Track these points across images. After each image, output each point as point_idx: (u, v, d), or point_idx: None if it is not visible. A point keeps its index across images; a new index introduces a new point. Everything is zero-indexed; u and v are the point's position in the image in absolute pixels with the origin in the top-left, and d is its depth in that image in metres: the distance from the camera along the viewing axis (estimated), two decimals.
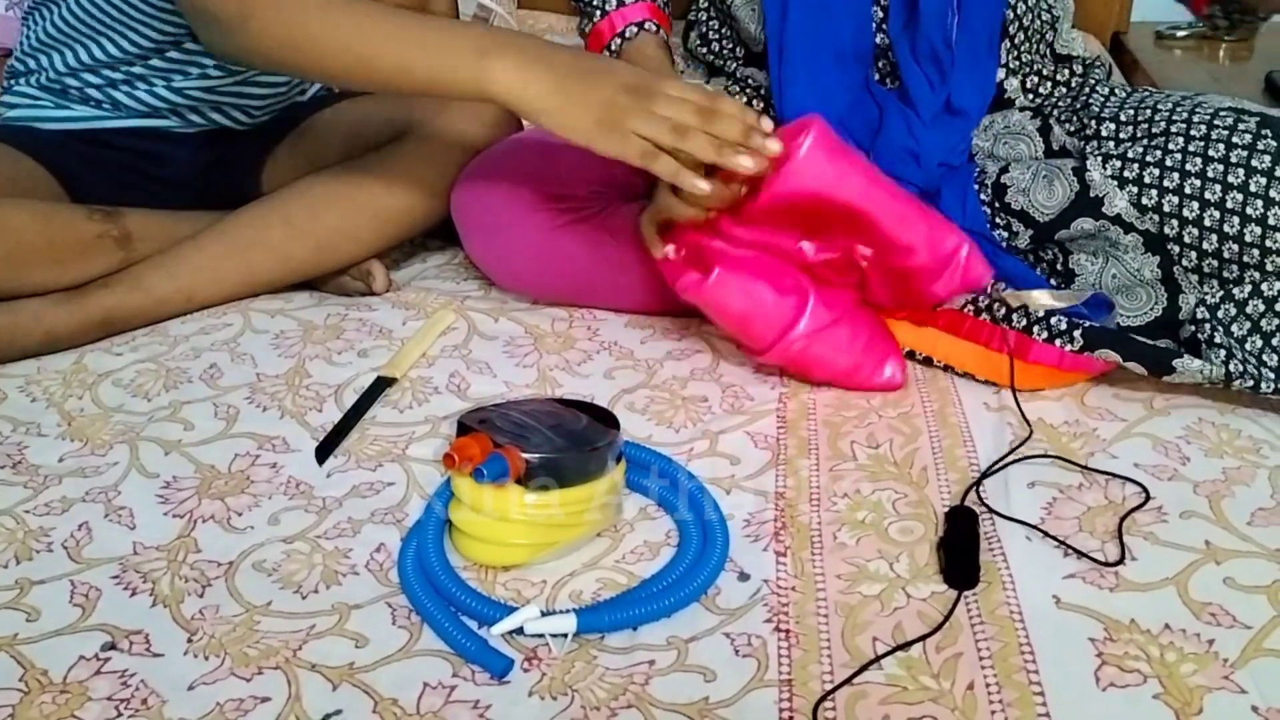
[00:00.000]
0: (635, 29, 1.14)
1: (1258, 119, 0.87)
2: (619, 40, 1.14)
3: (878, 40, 1.05)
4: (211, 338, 1.01)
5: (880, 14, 1.04)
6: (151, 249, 1.04)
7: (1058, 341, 0.88)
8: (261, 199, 1.07)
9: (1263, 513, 0.77)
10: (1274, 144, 0.84)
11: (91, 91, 1.09)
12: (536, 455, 0.73)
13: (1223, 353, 0.85)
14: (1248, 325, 0.84)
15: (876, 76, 1.06)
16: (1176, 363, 0.85)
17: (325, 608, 0.71)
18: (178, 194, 1.11)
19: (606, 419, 0.80)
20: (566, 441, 0.75)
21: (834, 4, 1.02)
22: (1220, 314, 0.85)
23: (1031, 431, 0.85)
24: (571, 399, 0.87)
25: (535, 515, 0.73)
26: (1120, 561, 0.72)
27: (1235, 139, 0.86)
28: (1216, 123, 0.89)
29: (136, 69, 1.08)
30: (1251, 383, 0.84)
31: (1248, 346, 0.84)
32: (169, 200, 1.10)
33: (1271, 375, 0.83)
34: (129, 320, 1.02)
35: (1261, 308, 0.84)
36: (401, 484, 0.83)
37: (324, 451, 0.86)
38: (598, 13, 1.15)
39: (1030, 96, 1.08)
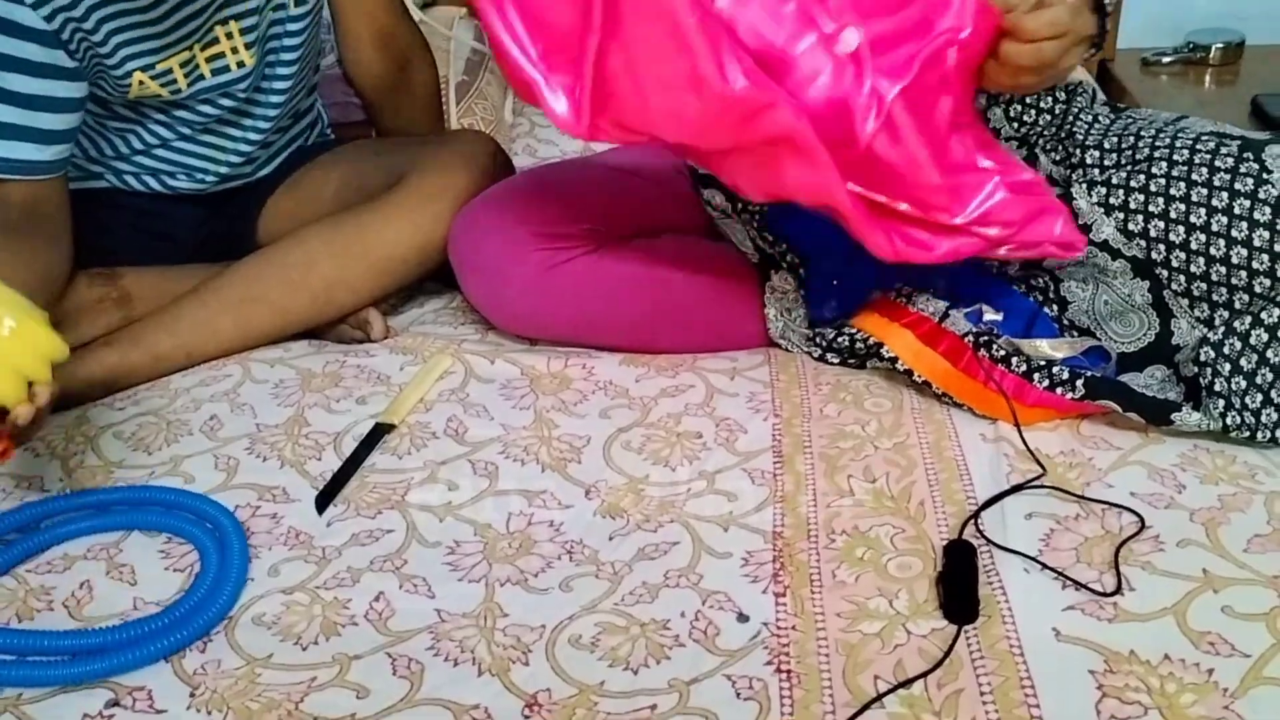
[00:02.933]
0: None
1: (1239, 142, 0.88)
2: None
3: None
4: (211, 389, 1.01)
5: None
6: (150, 306, 1.05)
7: (1059, 390, 0.89)
8: (257, 252, 1.08)
9: (1259, 539, 0.77)
10: (1255, 167, 0.85)
11: (95, 169, 1.11)
12: None
13: (1221, 403, 0.86)
14: (1255, 358, 0.85)
15: None
16: (1175, 416, 0.86)
17: (326, 659, 0.71)
18: (175, 247, 1.13)
19: None
20: None
21: None
22: (1226, 349, 0.86)
23: (1045, 470, 0.85)
24: None
25: None
26: (1118, 591, 0.73)
27: (1218, 163, 0.87)
28: (1199, 147, 0.89)
29: (139, 160, 1.11)
30: (1248, 433, 0.85)
31: (1256, 380, 0.84)
32: (166, 253, 1.12)
33: (1268, 428, 0.84)
34: (130, 377, 1.03)
35: (1265, 337, 0.85)
36: (401, 530, 0.83)
37: (324, 501, 0.86)
38: None
39: (1015, 125, 1.09)
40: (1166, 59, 1.56)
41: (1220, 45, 1.56)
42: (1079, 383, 0.88)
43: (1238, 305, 0.86)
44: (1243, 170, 0.86)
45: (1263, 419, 0.84)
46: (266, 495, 0.87)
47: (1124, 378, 0.89)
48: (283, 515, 0.85)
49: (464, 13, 1.54)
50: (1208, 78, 1.55)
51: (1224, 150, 0.88)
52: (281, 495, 0.87)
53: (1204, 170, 0.86)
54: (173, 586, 0.78)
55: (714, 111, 0.80)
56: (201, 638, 0.73)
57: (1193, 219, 0.88)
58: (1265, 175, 0.85)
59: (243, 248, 1.11)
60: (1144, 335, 0.93)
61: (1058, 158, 1.03)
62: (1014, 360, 0.91)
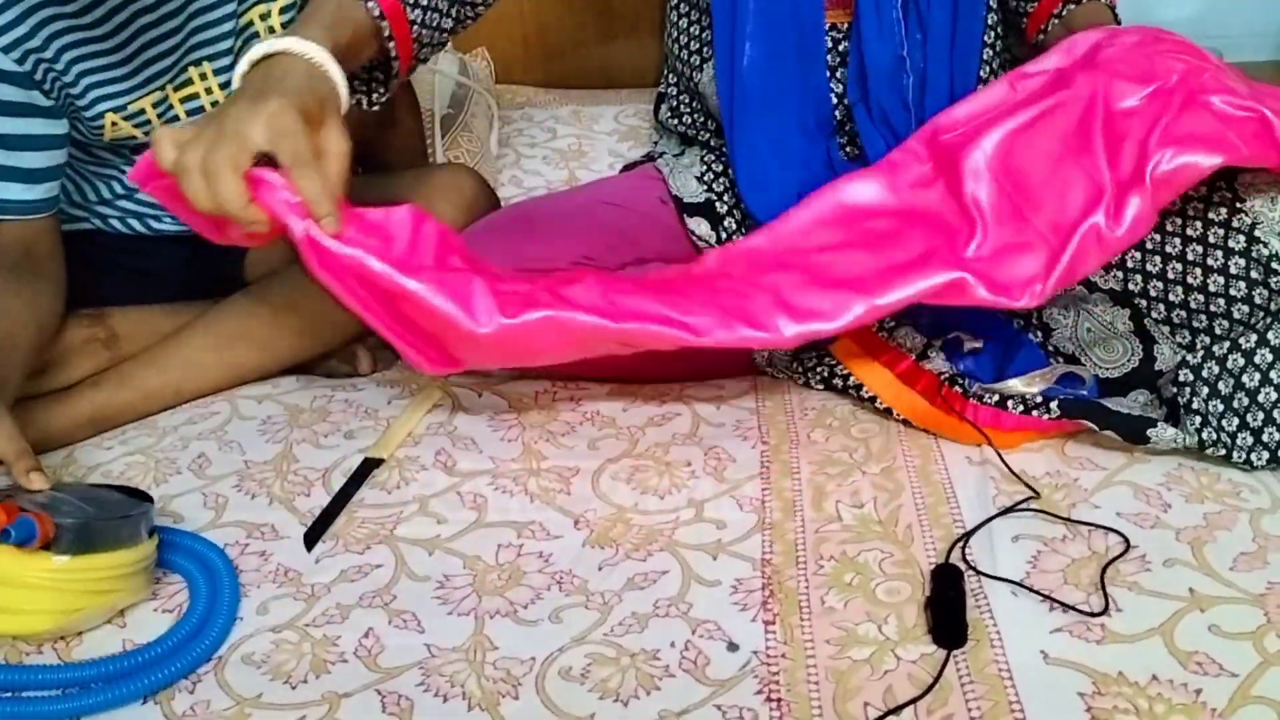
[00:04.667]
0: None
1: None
2: None
3: (836, 113, 1.07)
4: (199, 427, 1.01)
5: (839, 86, 1.06)
6: (138, 346, 1.06)
7: (1035, 413, 0.89)
8: (244, 290, 1.08)
9: (1245, 557, 0.77)
10: (1229, 195, 0.86)
11: (79, 213, 1.11)
12: (67, 520, 0.73)
13: (1198, 419, 0.86)
14: (1232, 382, 0.85)
15: (842, 141, 1.08)
16: (1151, 432, 0.86)
17: (315, 697, 0.71)
18: (162, 286, 1.13)
19: (140, 495, 0.82)
20: (97, 510, 0.76)
21: (789, 80, 1.04)
22: (1205, 373, 0.86)
23: (1038, 494, 0.85)
24: (108, 484, 0.89)
25: (61, 581, 0.73)
26: (1104, 612, 0.73)
27: (1192, 192, 0.87)
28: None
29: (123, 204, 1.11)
30: (1224, 451, 0.85)
31: (1234, 404, 0.85)
32: (153, 292, 1.12)
33: (1244, 450, 0.85)
34: (118, 416, 1.03)
35: (1241, 362, 0.85)
36: (390, 565, 0.83)
37: (312, 537, 0.86)
38: None
39: None
40: None
41: None
42: (1053, 404, 0.88)
43: (1218, 331, 0.86)
44: (1215, 199, 0.86)
45: (1238, 441, 0.85)
46: (255, 533, 0.87)
47: (1106, 400, 0.90)
48: (271, 553, 0.85)
49: (449, 46, 1.55)
50: None
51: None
52: (270, 532, 0.87)
53: (1177, 200, 0.87)
54: (163, 627, 0.78)
55: (496, 347, 0.83)
56: (191, 673, 0.73)
57: (1168, 249, 0.88)
58: (1239, 204, 0.85)
59: (229, 285, 1.12)
60: (1128, 361, 0.93)
61: None
62: (985, 396, 0.91)
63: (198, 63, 1.03)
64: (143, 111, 1.02)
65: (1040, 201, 0.85)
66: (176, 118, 1.05)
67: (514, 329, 0.80)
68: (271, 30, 1.08)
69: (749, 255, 0.91)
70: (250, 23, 1.07)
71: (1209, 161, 0.81)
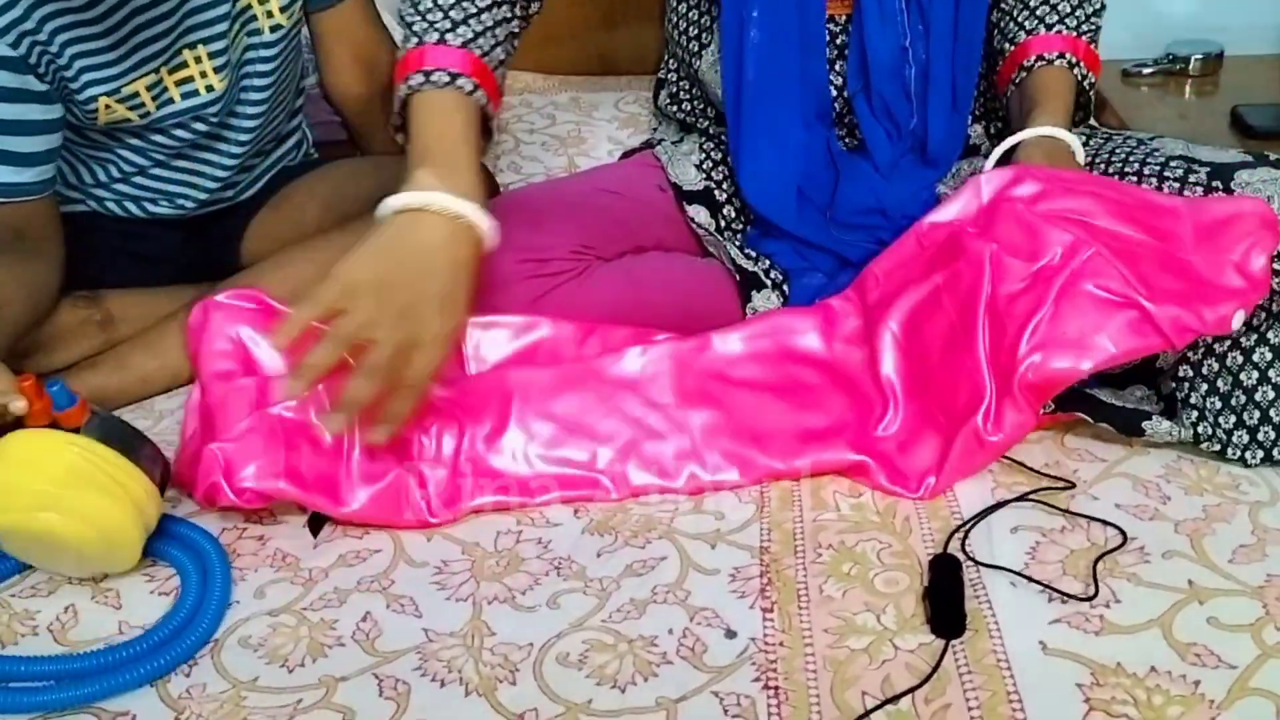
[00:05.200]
0: (445, 77, 0.89)
1: (1208, 169, 0.88)
2: (405, 89, 0.90)
3: (836, 104, 1.06)
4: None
5: (839, 79, 1.05)
6: (134, 328, 1.05)
7: None
8: (240, 274, 1.08)
9: (1244, 549, 0.77)
10: (1224, 194, 0.85)
11: (75, 195, 1.11)
12: (100, 409, 0.77)
13: (1194, 413, 0.86)
14: (1230, 379, 0.85)
15: (841, 133, 1.08)
16: (1146, 425, 0.86)
17: (312, 681, 0.71)
18: (158, 269, 1.13)
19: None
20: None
21: (790, 68, 1.03)
22: (1204, 370, 0.86)
23: (1065, 483, 0.84)
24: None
25: (82, 458, 0.74)
26: (1094, 597, 0.73)
27: (1186, 191, 0.87)
28: (1167, 174, 0.90)
29: (119, 187, 1.11)
30: (1219, 446, 0.85)
31: (1231, 401, 0.85)
32: (149, 275, 1.11)
33: (1239, 447, 0.85)
34: (115, 399, 1.02)
35: (1240, 359, 0.85)
36: (389, 551, 0.83)
37: (317, 523, 0.86)
38: (414, 38, 0.92)
39: (996, 142, 1.10)
40: (1147, 70, 1.57)
41: (1200, 56, 1.57)
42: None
43: (1227, 338, 0.86)
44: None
45: (1234, 439, 0.85)
46: (253, 517, 0.87)
47: (1102, 393, 0.89)
48: (269, 537, 0.85)
49: None
50: (1188, 88, 1.56)
51: (1192, 178, 0.88)
52: (269, 517, 0.87)
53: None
54: (158, 610, 0.78)
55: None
56: (186, 661, 0.73)
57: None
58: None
59: (226, 268, 1.11)
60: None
61: None
62: None
63: (192, 45, 1.03)
64: (136, 94, 1.01)
65: (937, 385, 0.87)
66: (170, 100, 1.04)
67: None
68: (270, 15, 1.07)
69: (678, 361, 0.94)
70: (248, 6, 1.06)
71: (1078, 368, 0.81)
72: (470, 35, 0.92)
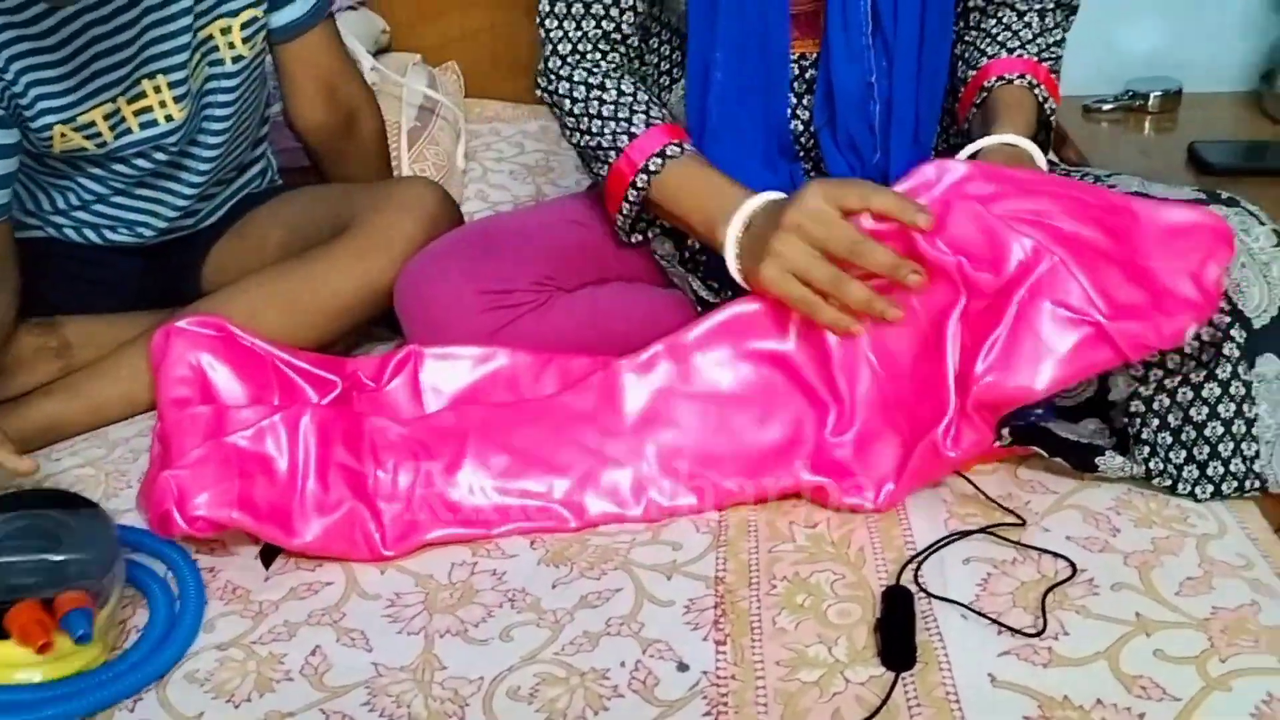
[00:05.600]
0: (659, 161, 0.97)
1: None
2: (645, 178, 0.97)
3: (802, 139, 1.07)
4: (151, 438, 1.00)
5: (805, 113, 1.06)
6: (91, 355, 1.05)
7: None
8: (200, 301, 1.07)
9: (1191, 582, 0.78)
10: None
11: (33, 221, 1.10)
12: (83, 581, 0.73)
13: (1146, 449, 0.87)
14: (1180, 415, 0.86)
15: (807, 166, 1.09)
16: (1099, 460, 0.87)
17: (259, 716, 0.70)
18: (117, 296, 1.12)
19: (76, 501, 0.81)
20: (95, 554, 0.75)
21: (753, 109, 1.03)
22: (1155, 405, 0.87)
23: (1023, 521, 0.84)
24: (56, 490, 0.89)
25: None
26: (1042, 633, 0.73)
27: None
28: None
29: (78, 215, 1.11)
30: (1170, 482, 0.86)
31: (1181, 437, 0.86)
32: (107, 302, 1.11)
33: (1189, 482, 0.86)
34: (71, 427, 1.02)
35: (1190, 395, 0.86)
36: (340, 583, 0.83)
37: (269, 555, 0.85)
38: (611, 152, 1.00)
39: None
40: (1107, 106, 1.59)
41: (1159, 93, 1.59)
42: (1005, 431, 0.89)
43: (1170, 365, 0.87)
44: None
45: (1184, 474, 0.86)
46: (205, 548, 0.86)
47: (1056, 426, 0.90)
48: (220, 569, 0.84)
49: (417, 59, 1.55)
50: (1147, 125, 1.58)
51: None
52: (221, 549, 0.86)
53: None
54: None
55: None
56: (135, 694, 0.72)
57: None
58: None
59: (186, 295, 1.11)
60: (1085, 391, 0.94)
61: None
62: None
63: (152, 75, 1.03)
64: (93, 123, 1.01)
65: (903, 391, 0.88)
66: (129, 130, 1.04)
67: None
68: (231, 45, 1.07)
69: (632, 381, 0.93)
70: (210, 36, 1.06)
71: (1031, 389, 0.82)
72: (643, 110, 1.00)
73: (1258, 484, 0.86)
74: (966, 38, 1.08)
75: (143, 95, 1.03)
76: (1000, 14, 1.07)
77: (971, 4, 1.08)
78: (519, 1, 1.61)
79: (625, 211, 1.00)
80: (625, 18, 1.04)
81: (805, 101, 1.06)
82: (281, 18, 1.11)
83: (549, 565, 0.84)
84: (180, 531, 0.82)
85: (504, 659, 0.74)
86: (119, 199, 1.10)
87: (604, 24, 1.03)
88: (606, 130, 1.00)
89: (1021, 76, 1.03)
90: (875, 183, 0.91)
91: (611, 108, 1.01)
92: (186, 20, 1.02)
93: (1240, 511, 0.86)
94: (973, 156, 0.98)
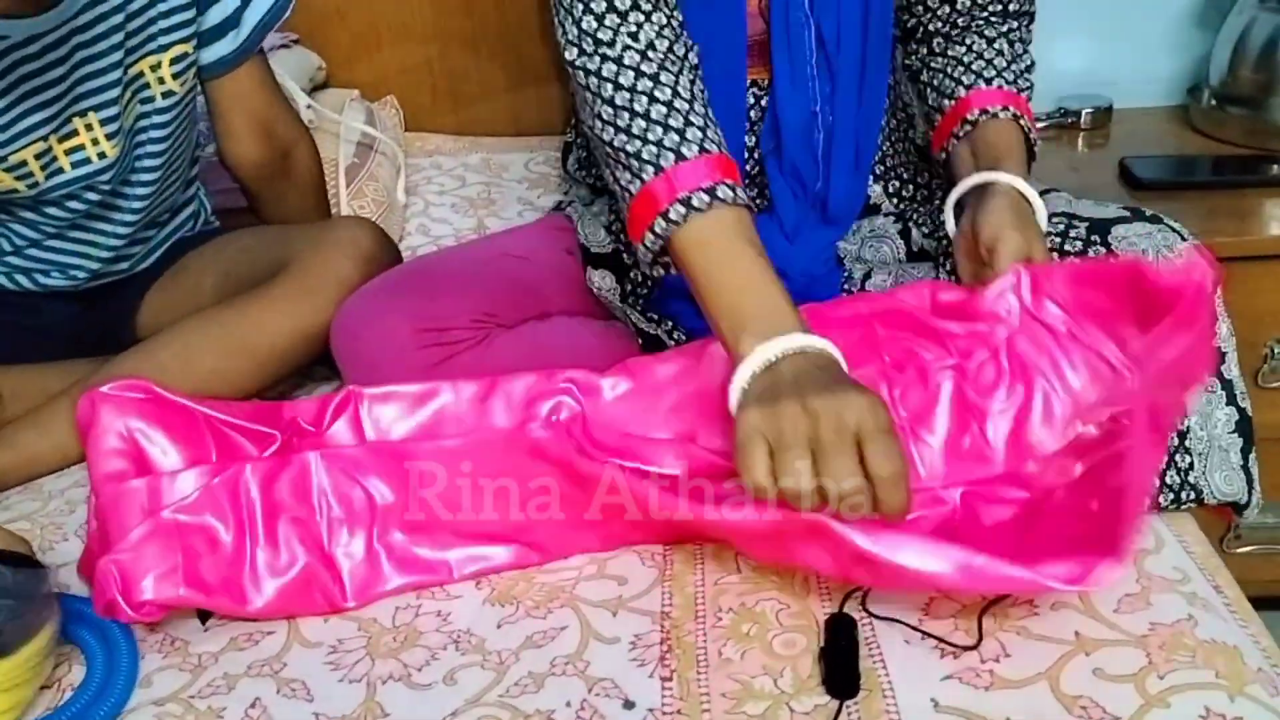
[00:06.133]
0: (706, 198, 0.82)
1: (1087, 224, 0.91)
2: (685, 211, 0.82)
3: (748, 167, 1.08)
4: (86, 490, 0.97)
5: (753, 139, 1.07)
6: (23, 407, 1.03)
7: None
8: (135, 347, 1.06)
9: (1129, 599, 0.79)
10: (1102, 250, 0.88)
11: None
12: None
13: None
14: None
15: (753, 194, 1.09)
16: None
17: None
18: (51, 342, 1.10)
19: (22, 559, 0.79)
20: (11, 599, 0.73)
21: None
22: None
23: None
24: None
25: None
26: (977, 646, 0.74)
27: (1067, 246, 0.90)
28: (1049, 229, 0.93)
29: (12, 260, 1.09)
30: None
31: None
32: (42, 349, 1.09)
33: None
34: (3, 479, 1.00)
35: None
36: (281, 632, 0.81)
37: (206, 611, 0.84)
38: (649, 168, 0.83)
39: (894, 201, 1.12)
40: (1040, 123, 1.62)
41: (1090, 110, 1.63)
42: None
43: None
44: (1090, 254, 0.89)
45: None
46: None
47: None
48: (160, 621, 0.82)
49: (355, 95, 1.55)
50: (1079, 141, 1.61)
51: (1073, 233, 0.91)
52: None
53: (1054, 255, 0.89)
54: (41, 700, 0.75)
55: None
56: None
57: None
58: (1111, 260, 0.88)
59: (121, 342, 1.09)
60: None
61: (927, 230, 1.06)
62: None
63: (83, 113, 1.02)
64: (24, 163, 1.00)
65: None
66: (61, 170, 1.02)
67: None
68: (162, 81, 1.06)
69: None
70: (140, 73, 1.05)
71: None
72: (699, 133, 0.83)
73: (1193, 495, 0.88)
74: (934, 64, 1.08)
75: (74, 134, 1.02)
76: (969, 40, 1.06)
77: (933, 28, 1.08)
78: (457, 34, 1.62)
79: (649, 244, 0.85)
80: None
81: (755, 129, 1.07)
82: (211, 54, 1.10)
83: (494, 605, 0.83)
84: (127, 619, 0.79)
85: (448, 703, 0.74)
86: (52, 243, 1.08)
87: None
88: (651, 137, 0.83)
89: (1005, 109, 1.01)
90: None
91: (664, 110, 0.84)
92: (117, 56, 1.02)
93: (1177, 525, 0.88)
94: (978, 187, 0.95)
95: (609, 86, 0.85)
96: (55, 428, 1.01)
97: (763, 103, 1.05)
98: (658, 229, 0.83)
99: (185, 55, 1.07)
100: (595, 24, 0.86)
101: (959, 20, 1.06)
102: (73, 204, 1.06)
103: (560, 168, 1.29)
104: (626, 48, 0.86)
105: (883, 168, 1.13)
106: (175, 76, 1.07)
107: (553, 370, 0.93)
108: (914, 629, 0.77)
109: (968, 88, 1.03)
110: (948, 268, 0.98)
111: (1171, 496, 0.88)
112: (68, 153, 1.02)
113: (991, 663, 0.73)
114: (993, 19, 1.06)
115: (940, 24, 1.07)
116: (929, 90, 1.08)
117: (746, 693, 0.73)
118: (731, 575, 0.85)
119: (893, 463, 0.71)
